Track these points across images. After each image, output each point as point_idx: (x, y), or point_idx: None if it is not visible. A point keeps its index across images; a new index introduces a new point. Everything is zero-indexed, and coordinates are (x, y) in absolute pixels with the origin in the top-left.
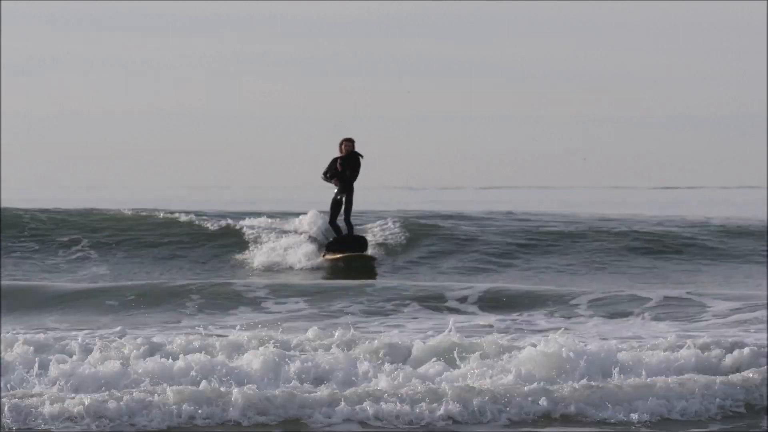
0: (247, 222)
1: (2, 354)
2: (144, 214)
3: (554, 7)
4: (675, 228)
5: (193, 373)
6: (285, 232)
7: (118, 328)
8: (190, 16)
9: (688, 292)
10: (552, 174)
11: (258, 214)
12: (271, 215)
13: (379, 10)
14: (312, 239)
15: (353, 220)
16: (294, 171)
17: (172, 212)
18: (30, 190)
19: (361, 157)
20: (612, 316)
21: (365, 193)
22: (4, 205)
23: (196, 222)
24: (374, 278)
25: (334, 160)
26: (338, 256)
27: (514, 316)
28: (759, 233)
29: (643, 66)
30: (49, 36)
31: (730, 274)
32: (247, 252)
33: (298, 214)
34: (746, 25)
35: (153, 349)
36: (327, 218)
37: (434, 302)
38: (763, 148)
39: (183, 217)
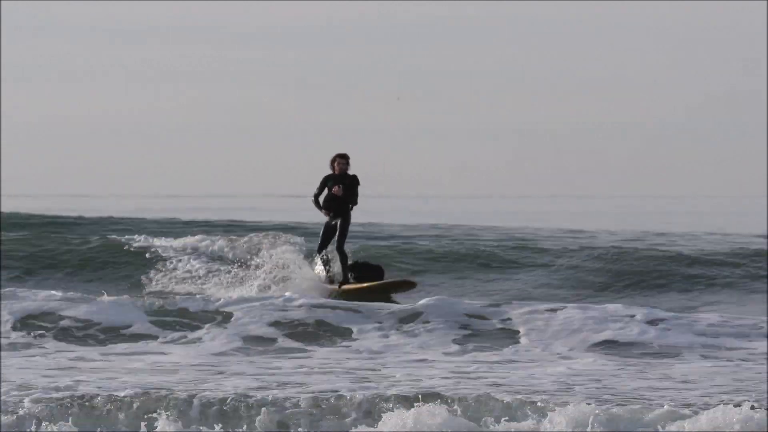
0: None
1: None
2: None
3: (554, 7)
4: None
5: None
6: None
7: None
8: (190, 21)
9: None
10: (550, 182)
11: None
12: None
13: (380, 14)
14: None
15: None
16: (294, 177)
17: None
18: (30, 192)
19: (359, 185)
20: None
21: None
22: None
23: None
24: None
25: (325, 180)
26: (365, 285)
27: None
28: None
29: (642, 69)
30: (50, 37)
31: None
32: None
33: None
34: (747, 24)
35: None
36: (317, 246)
37: None
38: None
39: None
